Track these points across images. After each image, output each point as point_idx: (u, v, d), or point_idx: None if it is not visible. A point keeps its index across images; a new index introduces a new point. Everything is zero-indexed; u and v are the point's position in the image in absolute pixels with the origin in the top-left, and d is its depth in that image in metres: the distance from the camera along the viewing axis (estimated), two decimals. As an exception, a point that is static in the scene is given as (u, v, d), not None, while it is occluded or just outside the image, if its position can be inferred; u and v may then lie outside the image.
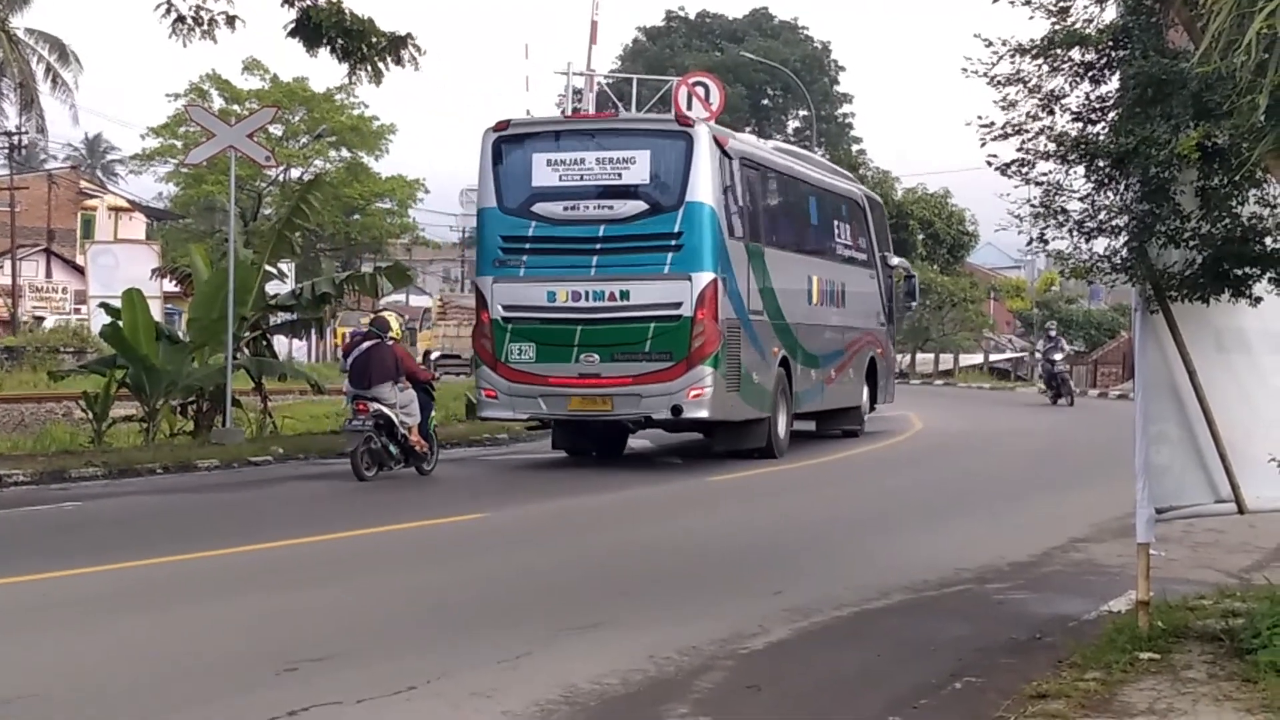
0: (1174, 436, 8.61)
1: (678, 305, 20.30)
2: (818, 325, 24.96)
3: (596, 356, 20.47)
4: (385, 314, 21.37)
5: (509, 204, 21.11)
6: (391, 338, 19.38)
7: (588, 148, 21.26)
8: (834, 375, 25.81)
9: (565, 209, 20.83)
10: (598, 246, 20.63)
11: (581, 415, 21.16)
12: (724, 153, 21.28)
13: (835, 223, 26.94)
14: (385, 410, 18.88)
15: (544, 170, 21.02)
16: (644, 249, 20.58)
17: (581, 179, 20.95)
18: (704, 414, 20.69)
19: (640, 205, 20.66)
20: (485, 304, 21.19)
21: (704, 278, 20.35)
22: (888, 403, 29.67)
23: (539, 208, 20.93)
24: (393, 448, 19.11)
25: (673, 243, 20.44)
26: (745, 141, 24.40)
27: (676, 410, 20.46)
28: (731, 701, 7.71)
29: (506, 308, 20.92)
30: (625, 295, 20.49)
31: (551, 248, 20.88)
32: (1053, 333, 40.94)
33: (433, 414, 20.32)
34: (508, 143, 21.37)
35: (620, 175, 20.80)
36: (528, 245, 20.94)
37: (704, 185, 20.50)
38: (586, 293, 20.59)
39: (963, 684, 8.04)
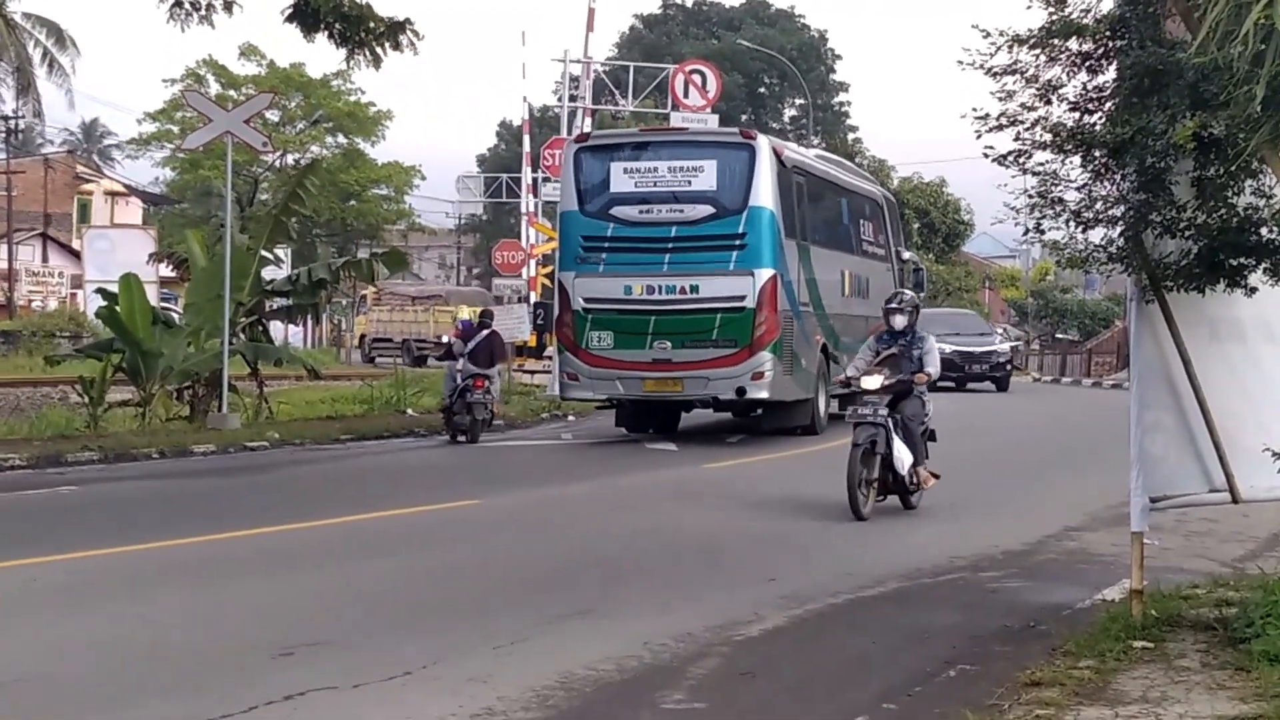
0: (1169, 426, 8.62)
1: (742, 298, 22.41)
2: (849, 315, 26.89)
3: (668, 344, 22.58)
4: (490, 307, 25.66)
5: (589, 207, 23.33)
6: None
7: (660, 157, 23.26)
8: None
9: (640, 212, 22.92)
10: (669, 245, 22.69)
11: (655, 396, 23.34)
12: (780, 162, 23.44)
13: (861, 221, 29.10)
14: (491, 387, 23.30)
15: (621, 177, 23.16)
16: (711, 248, 22.59)
17: (655, 185, 22.98)
18: (765, 395, 22.80)
19: (708, 209, 22.73)
20: (567, 296, 23.34)
21: (765, 274, 22.49)
22: None
23: (616, 211, 23.07)
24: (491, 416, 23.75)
25: (737, 242, 22.54)
26: (796, 151, 26.90)
27: (741, 392, 22.64)
28: (726, 688, 7.73)
29: (587, 300, 23.06)
30: (694, 289, 22.54)
31: (628, 246, 22.95)
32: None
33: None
34: (588, 153, 23.75)
35: (690, 182, 22.83)
36: (606, 244, 23.05)
37: (765, 191, 22.66)
38: (659, 286, 22.66)
39: (957, 672, 8.06)
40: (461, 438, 22.88)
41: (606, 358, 22.85)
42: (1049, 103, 8.46)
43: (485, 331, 23.78)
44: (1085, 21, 8.25)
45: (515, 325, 32.97)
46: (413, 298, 58.16)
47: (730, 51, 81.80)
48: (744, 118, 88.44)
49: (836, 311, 26.07)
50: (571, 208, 23.66)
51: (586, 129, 42.75)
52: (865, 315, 27.99)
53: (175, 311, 30.13)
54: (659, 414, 24.67)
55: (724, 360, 22.46)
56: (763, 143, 23.22)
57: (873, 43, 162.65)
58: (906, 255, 33.15)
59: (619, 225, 22.97)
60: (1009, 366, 41.84)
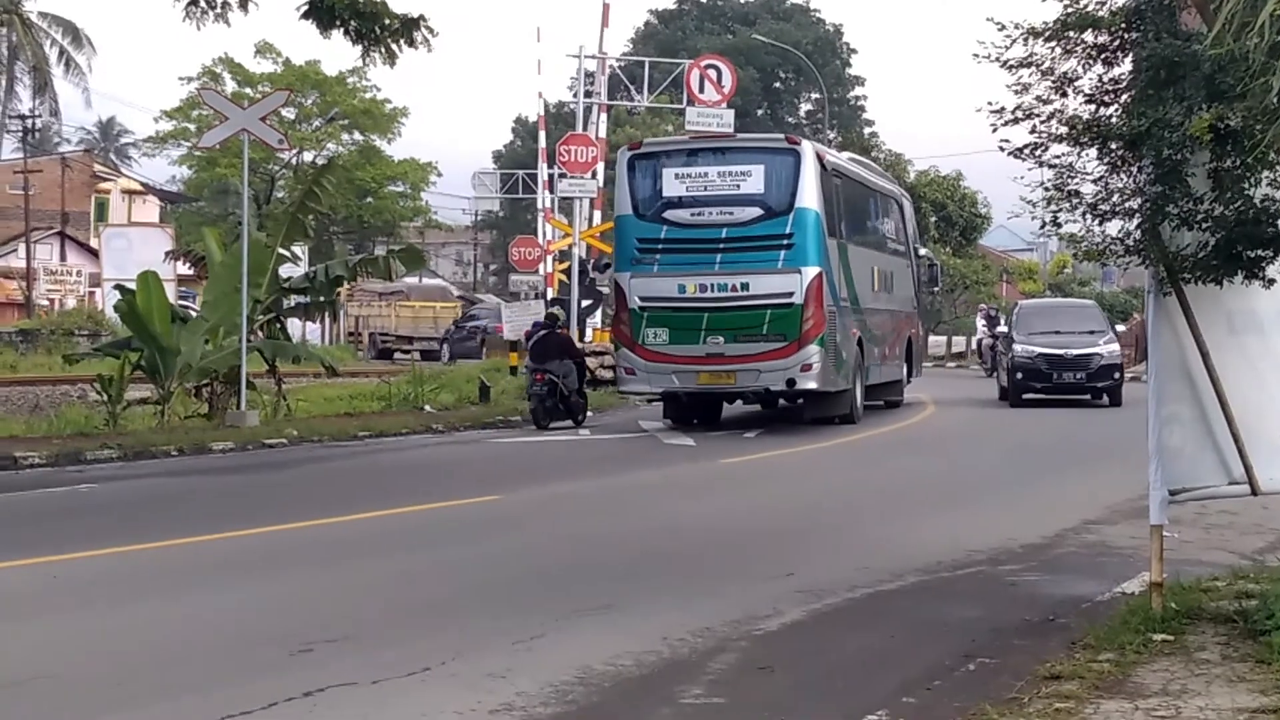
0: (1187, 418, 8.60)
1: (790, 295, 23.63)
2: (879, 309, 28.39)
3: (721, 338, 23.88)
4: (555, 310, 28.85)
5: (643, 211, 24.61)
6: (560, 327, 26.81)
7: (710, 163, 24.71)
8: (888, 353, 29.23)
9: (692, 215, 24.31)
10: (720, 246, 24.01)
11: (709, 388, 24.63)
12: (822, 166, 24.70)
13: (886, 220, 30.88)
14: (554, 378, 25.14)
15: (673, 182, 24.44)
16: (760, 248, 23.87)
17: (706, 189, 24.34)
18: (813, 385, 24.08)
19: (756, 211, 24.05)
20: (624, 296, 24.71)
21: (811, 271, 23.78)
22: (918, 377, 32.84)
23: (669, 214, 24.40)
24: (560, 405, 25.43)
25: (785, 242, 23.80)
26: (834, 155, 28.39)
27: (790, 383, 23.95)
28: (745, 682, 7.73)
29: (643, 298, 24.37)
30: (745, 287, 23.80)
31: (681, 247, 24.30)
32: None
33: (586, 378, 26.99)
34: (641, 160, 24.99)
35: (739, 186, 24.19)
36: (660, 246, 24.39)
37: (810, 194, 23.93)
38: (712, 285, 23.97)
39: (976, 665, 8.05)
40: (544, 422, 25.25)
41: (662, 353, 24.13)
42: (1065, 95, 8.46)
43: (544, 331, 26.30)
44: (1101, 14, 8.24)
45: (531, 321, 33.04)
46: (379, 294, 59.98)
47: (745, 46, 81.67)
48: (759, 113, 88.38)
49: (869, 306, 27.34)
50: (626, 212, 24.83)
51: (602, 125, 42.90)
52: (891, 309, 29.96)
53: (193, 309, 30.20)
54: (705, 406, 25.83)
55: (774, 353, 23.67)
56: (807, 148, 24.61)
57: (888, 36, 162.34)
58: (922, 251, 34.92)
59: (672, 228, 24.28)
60: (1117, 375, 31.03)
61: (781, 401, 25.95)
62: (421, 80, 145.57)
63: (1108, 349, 31.03)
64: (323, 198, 26.31)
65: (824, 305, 23.85)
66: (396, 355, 54.35)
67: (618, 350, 25.63)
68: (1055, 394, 30.79)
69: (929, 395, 32.73)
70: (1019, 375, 30.89)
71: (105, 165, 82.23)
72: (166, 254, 34.01)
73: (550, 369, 25.28)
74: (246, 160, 25.18)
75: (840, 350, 24.84)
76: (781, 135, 29.60)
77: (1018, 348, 31.36)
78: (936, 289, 40.45)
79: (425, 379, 30.38)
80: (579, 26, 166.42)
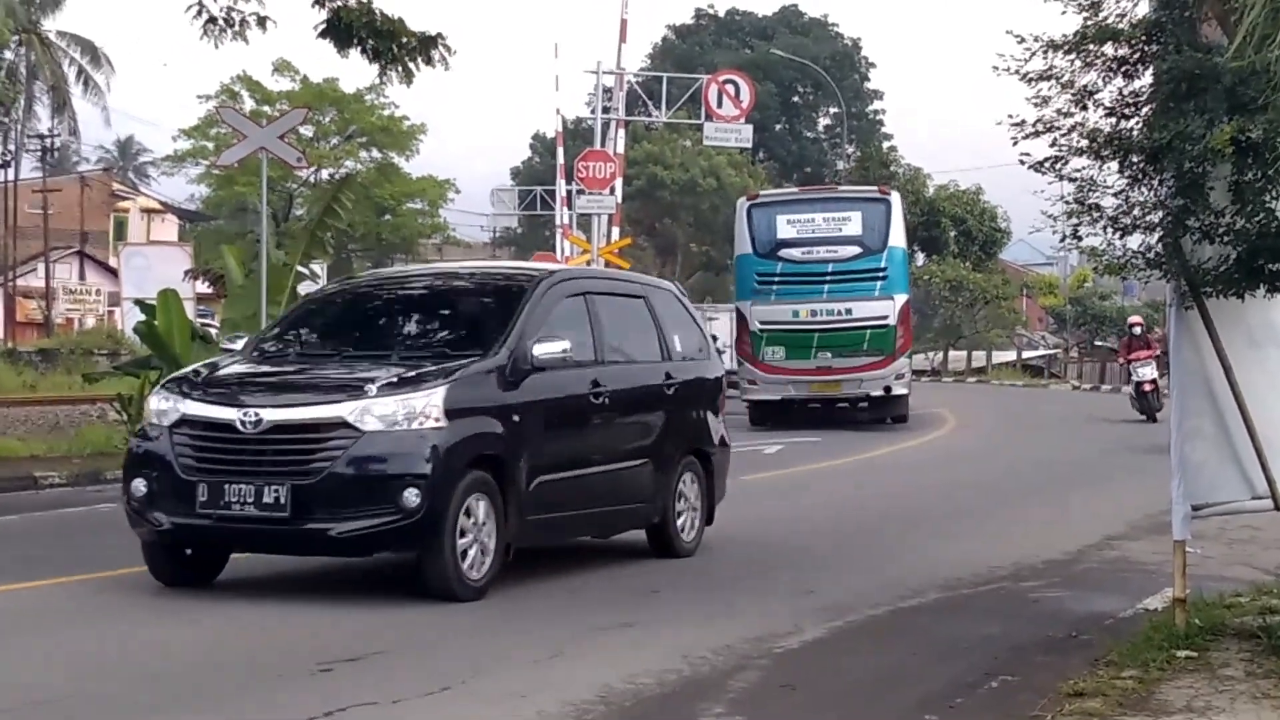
0: (1209, 433, 8.56)
1: (885, 318, 28.91)
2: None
3: (829, 354, 28.79)
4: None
5: (761, 250, 29.64)
6: None
7: (816, 209, 30.05)
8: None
9: (803, 253, 29.32)
10: (827, 278, 29.01)
11: (819, 396, 29.66)
12: (904, 212, 30.20)
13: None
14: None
15: (785, 226, 29.64)
16: (860, 279, 28.97)
17: (813, 232, 29.46)
18: (904, 392, 29.45)
19: (856, 249, 29.18)
20: (746, 320, 29.74)
21: (901, 299, 29.45)
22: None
23: (783, 252, 29.46)
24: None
25: (880, 275, 29.02)
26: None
27: (888, 389, 29.01)
28: (766, 701, 7.70)
29: (762, 322, 29.34)
30: (849, 311, 28.78)
31: (794, 280, 29.24)
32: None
33: None
34: (758, 208, 30.50)
35: (841, 229, 29.36)
36: (776, 279, 29.38)
37: (898, 235, 29.66)
38: (821, 310, 28.92)
39: (998, 683, 8.02)
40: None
41: (780, 367, 29.00)
42: (1085, 108, 8.43)
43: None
44: (1120, 26, 8.22)
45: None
46: None
47: (763, 61, 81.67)
48: (778, 128, 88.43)
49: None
50: (746, 251, 29.90)
51: (620, 140, 43.18)
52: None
53: (213, 327, 30.22)
54: (782, 411, 29.73)
55: (873, 365, 28.61)
56: (896, 197, 30.63)
57: (907, 51, 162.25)
58: None
59: (786, 264, 29.26)
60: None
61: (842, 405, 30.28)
62: (439, 97, 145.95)
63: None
64: (342, 214, 26.28)
65: (910, 325, 29.44)
66: None
67: (741, 366, 29.71)
68: None
69: (948, 410, 32.70)
70: None
71: (124, 184, 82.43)
72: (185, 272, 34.08)
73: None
74: (265, 178, 25.16)
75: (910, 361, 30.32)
76: (875, 187, 35.51)
77: None
78: None
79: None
80: (597, 42, 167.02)
